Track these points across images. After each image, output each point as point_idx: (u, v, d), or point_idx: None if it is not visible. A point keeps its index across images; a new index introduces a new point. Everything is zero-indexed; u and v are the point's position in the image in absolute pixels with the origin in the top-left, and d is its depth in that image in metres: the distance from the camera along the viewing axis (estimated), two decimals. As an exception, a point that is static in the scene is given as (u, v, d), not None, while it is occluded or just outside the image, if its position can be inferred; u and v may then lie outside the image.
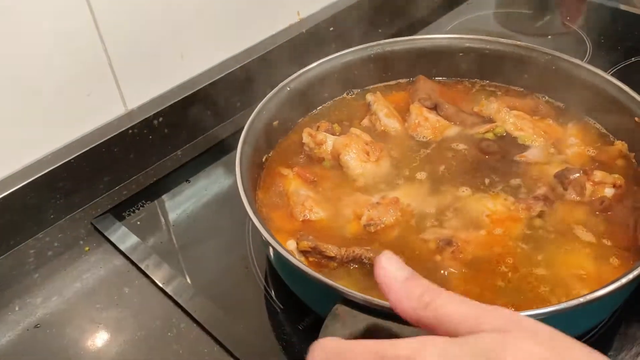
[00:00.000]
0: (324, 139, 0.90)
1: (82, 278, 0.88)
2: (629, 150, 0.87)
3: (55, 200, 0.94)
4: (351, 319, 0.56)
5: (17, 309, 0.84)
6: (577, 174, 0.80)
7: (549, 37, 1.32)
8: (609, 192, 0.80)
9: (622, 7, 1.38)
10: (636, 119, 0.83)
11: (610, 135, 0.91)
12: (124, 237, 0.93)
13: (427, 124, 0.93)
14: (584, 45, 1.24)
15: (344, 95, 1.03)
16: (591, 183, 0.80)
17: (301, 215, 0.82)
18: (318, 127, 0.93)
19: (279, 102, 0.91)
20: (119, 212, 0.97)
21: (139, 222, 0.96)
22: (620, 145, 0.88)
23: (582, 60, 0.95)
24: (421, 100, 0.96)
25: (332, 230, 0.81)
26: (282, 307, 0.81)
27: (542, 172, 0.85)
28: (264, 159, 0.91)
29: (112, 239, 0.93)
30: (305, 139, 0.92)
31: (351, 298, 0.59)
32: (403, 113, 0.98)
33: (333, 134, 0.92)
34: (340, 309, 0.57)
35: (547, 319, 0.60)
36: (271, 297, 0.83)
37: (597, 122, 0.93)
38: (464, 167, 0.88)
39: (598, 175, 0.81)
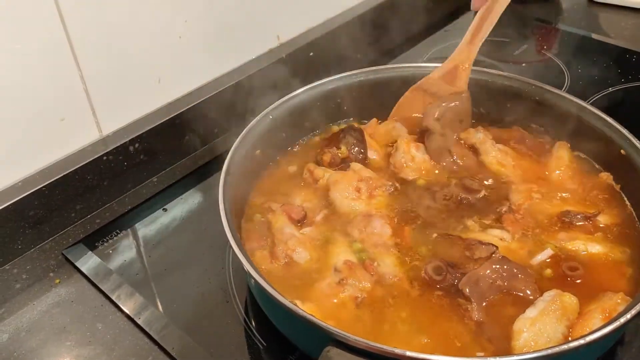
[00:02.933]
0: (320, 175, 0.88)
1: (52, 313, 0.84)
2: (615, 181, 0.87)
3: (24, 230, 0.90)
4: (345, 363, 0.54)
5: (-19, 346, 0.79)
6: (581, 222, 0.82)
7: (525, 65, 1.34)
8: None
9: (594, 36, 1.41)
10: (622, 151, 0.83)
11: (596, 165, 0.91)
12: (96, 268, 0.89)
13: (412, 164, 0.91)
14: (562, 74, 1.25)
15: (331, 125, 1.01)
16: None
17: (283, 255, 0.79)
18: (322, 157, 0.91)
19: (261, 131, 0.89)
20: (92, 241, 0.93)
21: (111, 252, 0.92)
22: (605, 177, 0.88)
23: (561, 89, 0.96)
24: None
25: (312, 275, 0.78)
26: (264, 343, 0.78)
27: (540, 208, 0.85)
28: (246, 189, 0.88)
29: (84, 270, 0.89)
30: (305, 174, 0.90)
31: (343, 340, 0.57)
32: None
33: (337, 163, 0.90)
34: (332, 351, 0.55)
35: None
36: (252, 332, 0.80)
37: (582, 153, 0.93)
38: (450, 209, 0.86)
39: (601, 220, 0.81)
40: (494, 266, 0.72)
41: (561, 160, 0.91)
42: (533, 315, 0.67)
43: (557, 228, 0.82)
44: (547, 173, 0.91)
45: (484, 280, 0.72)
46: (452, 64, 0.96)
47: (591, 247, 0.78)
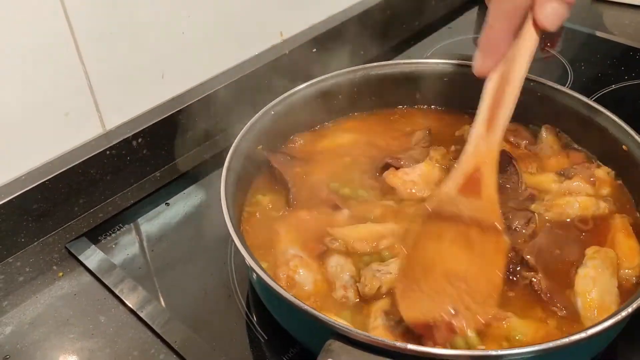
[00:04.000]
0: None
1: (56, 305, 0.84)
2: (617, 177, 0.87)
3: (27, 223, 0.90)
4: (346, 355, 0.54)
5: (-15, 338, 0.80)
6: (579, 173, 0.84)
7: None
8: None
9: (598, 33, 1.40)
10: (624, 147, 0.83)
11: (597, 161, 0.91)
12: (99, 261, 0.89)
13: (416, 186, 0.85)
14: (566, 72, 1.25)
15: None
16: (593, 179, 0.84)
17: (284, 278, 0.74)
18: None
19: (263, 127, 0.89)
20: (95, 235, 0.94)
21: (114, 246, 0.92)
22: (607, 172, 0.87)
23: (564, 87, 0.95)
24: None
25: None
26: (265, 337, 0.79)
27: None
28: (248, 185, 0.88)
29: (87, 263, 0.89)
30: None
31: (345, 333, 0.57)
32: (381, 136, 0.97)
33: None
34: (334, 344, 0.55)
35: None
36: (254, 325, 0.80)
37: (583, 149, 0.93)
38: None
39: (599, 173, 0.85)
40: (550, 234, 0.71)
41: (552, 147, 0.92)
42: (592, 275, 0.68)
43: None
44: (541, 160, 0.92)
45: (545, 250, 0.69)
46: (469, 165, 0.70)
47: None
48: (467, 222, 0.66)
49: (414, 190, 0.84)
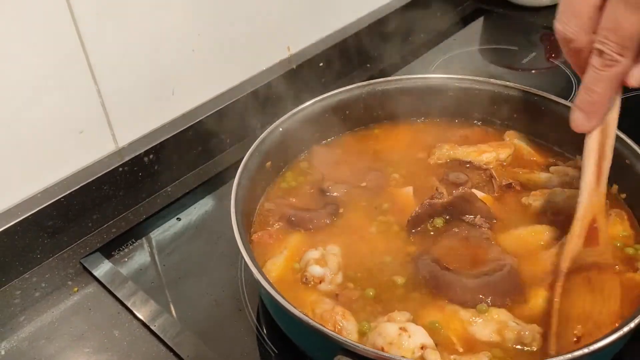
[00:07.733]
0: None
1: (71, 320, 0.86)
2: (619, 192, 0.88)
3: (43, 240, 0.93)
4: (353, 371, 0.56)
5: (2, 353, 0.82)
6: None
7: (534, 72, 1.35)
8: None
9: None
10: (627, 161, 0.84)
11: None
12: (113, 276, 0.91)
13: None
14: (570, 83, 1.26)
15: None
16: None
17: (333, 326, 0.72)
18: None
19: (271, 143, 0.91)
20: (108, 250, 0.96)
21: (127, 260, 0.94)
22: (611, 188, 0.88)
23: (568, 98, 0.96)
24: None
25: None
26: (275, 351, 0.80)
27: None
28: (257, 203, 0.90)
29: (101, 278, 0.91)
30: None
31: (352, 349, 0.59)
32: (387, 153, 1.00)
33: None
34: (342, 360, 0.57)
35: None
36: (264, 339, 0.82)
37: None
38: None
39: None
40: None
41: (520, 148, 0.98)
42: None
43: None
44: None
45: None
46: (587, 218, 0.74)
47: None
48: (588, 268, 0.71)
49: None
